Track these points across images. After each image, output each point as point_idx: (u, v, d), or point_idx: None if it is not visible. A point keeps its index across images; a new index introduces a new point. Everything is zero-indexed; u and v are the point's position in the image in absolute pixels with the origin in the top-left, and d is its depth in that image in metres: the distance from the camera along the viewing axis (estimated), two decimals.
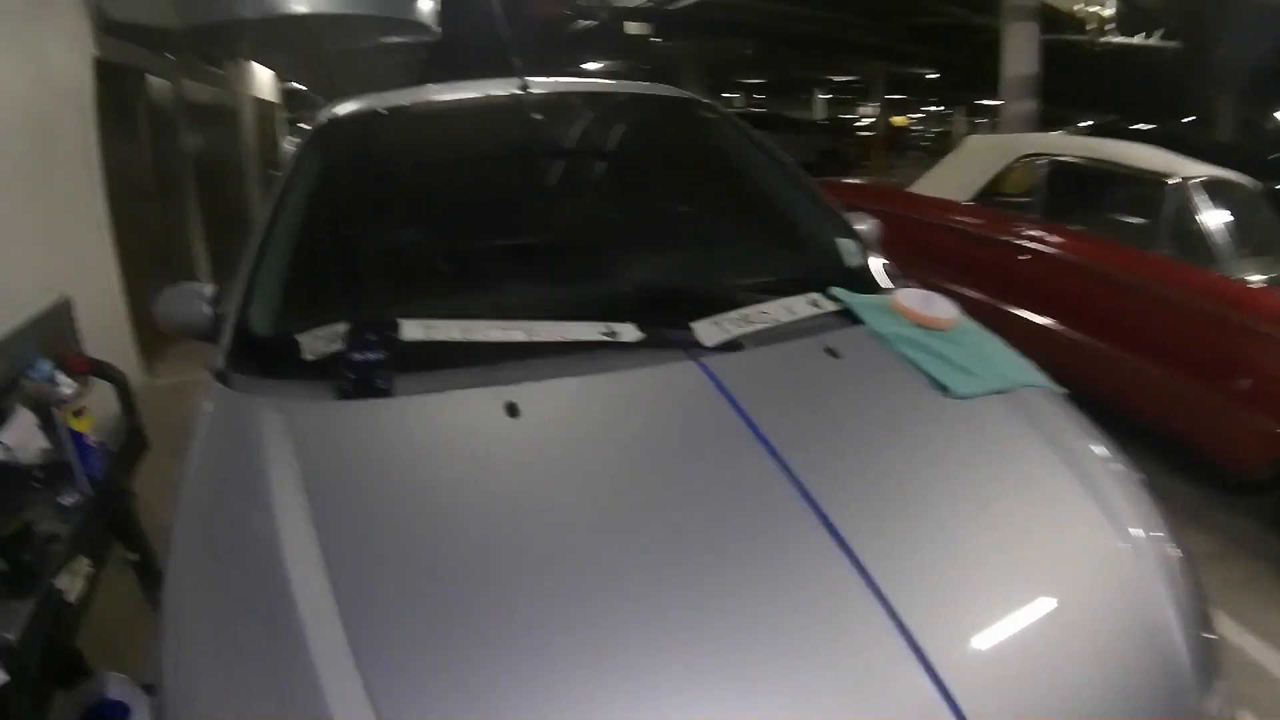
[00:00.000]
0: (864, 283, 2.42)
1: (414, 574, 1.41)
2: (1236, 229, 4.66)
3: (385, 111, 2.98)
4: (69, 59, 5.45)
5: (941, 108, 38.02)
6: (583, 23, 15.12)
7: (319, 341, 1.92)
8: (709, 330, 2.04)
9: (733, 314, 2.12)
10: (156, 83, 7.41)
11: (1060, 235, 5.39)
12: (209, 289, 2.31)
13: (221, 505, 1.65)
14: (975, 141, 6.81)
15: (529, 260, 2.51)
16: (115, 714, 2.17)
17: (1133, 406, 4.79)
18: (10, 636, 1.55)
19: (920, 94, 32.12)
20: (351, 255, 2.56)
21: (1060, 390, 2.17)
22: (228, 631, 1.38)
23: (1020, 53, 9.84)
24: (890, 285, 2.48)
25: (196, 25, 6.12)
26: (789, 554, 1.48)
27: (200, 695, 1.30)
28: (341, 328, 1.93)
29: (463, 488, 1.61)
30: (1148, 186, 4.96)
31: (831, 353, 2.08)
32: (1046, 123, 10.52)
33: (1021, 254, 5.49)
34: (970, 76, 10.68)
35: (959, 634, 1.39)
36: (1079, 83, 14.61)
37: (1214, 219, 4.62)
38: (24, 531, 1.91)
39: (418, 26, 7.68)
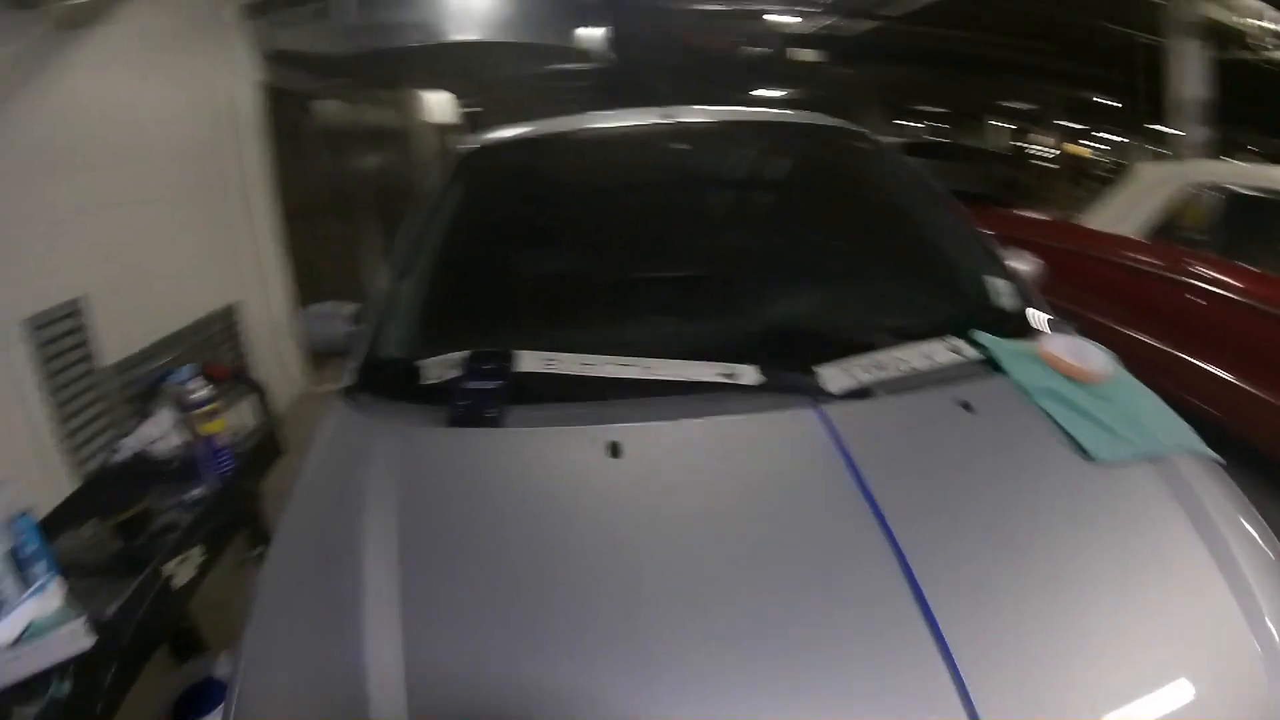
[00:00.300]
0: (1014, 327, 2.23)
1: (479, 604, 1.40)
2: None
3: (526, 141, 2.98)
4: (235, 86, 5.73)
5: (1123, 137, 36.64)
6: (754, 50, 15.06)
7: (440, 367, 1.92)
8: (836, 376, 1.90)
9: (864, 359, 1.97)
10: (329, 106, 7.74)
11: (1234, 275, 4.78)
12: (349, 308, 2.36)
13: (320, 515, 1.67)
14: (1143, 170, 6.33)
15: (658, 294, 2.43)
16: (217, 691, 2.24)
17: None
18: (106, 611, 1.64)
19: (1102, 122, 30.95)
20: (483, 283, 2.54)
21: (1218, 459, 1.91)
22: (298, 629, 1.43)
23: (1189, 73, 9.26)
24: (1044, 329, 2.27)
25: (361, 53, 6.31)
26: (872, 637, 1.35)
27: (258, 679, 1.36)
28: (461, 355, 1.93)
29: (546, 524, 1.57)
30: None
31: (965, 406, 1.89)
32: (1228, 149, 9.93)
33: (1192, 294, 4.99)
34: (1152, 102, 10.15)
35: None
36: (1251, 104, 13.77)
37: None
38: (142, 517, 2.00)
39: (583, 54, 7.76)
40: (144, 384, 2.72)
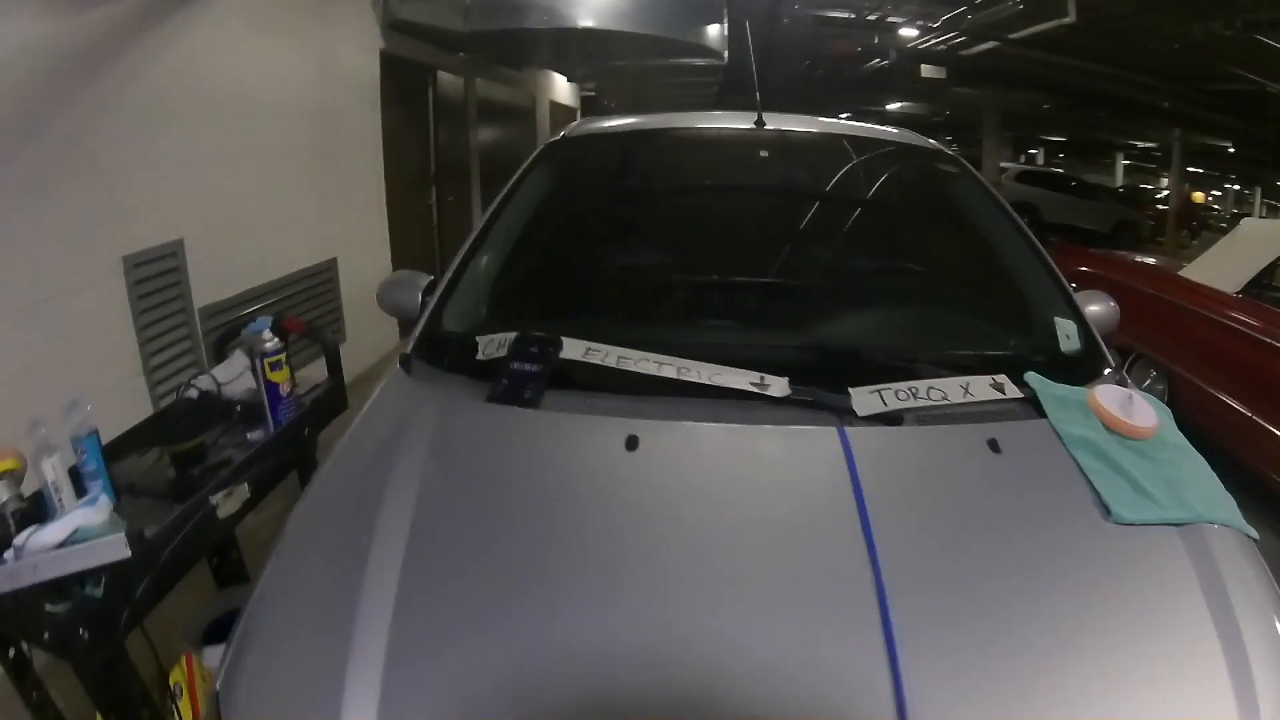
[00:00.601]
0: (1071, 371, 2.16)
1: (472, 570, 1.47)
2: None
3: (609, 135, 3.07)
4: (356, 53, 5.97)
5: (1240, 186, 35.23)
6: (876, 62, 14.91)
7: (492, 345, 2.01)
8: (866, 399, 1.90)
9: (901, 386, 1.96)
10: (448, 79, 7.92)
11: None
12: (424, 279, 2.48)
13: (353, 471, 1.78)
14: (1248, 225, 6.07)
15: (714, 298, 2.50)
16: None
17: None
18: (148, 529, 1.76)
19: (1220, 169, 29.84)
20: (547, 270, 2.65)
21: (1252, 535, 1.81)
22: (309, 577, 1.51)
23: None
24: (1102, 378, 2.21)
25: (481, 31, 6.46)
26: (831, 671, 1.34)
27: (265, 618, 1.44)
28: (511, 336, 2.01)
29: (548, 506, 1.64)
30: None
31: (993, 446, 1.85)
32: None
33: (1276, 357, 4.77)
34: (1271, 151, 9.75)
35: None
36: None
37: None
38: (198, 450, 2.16)
39: (704, 50, 7.82)
40: (226, 329, 2.87)
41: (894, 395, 1.92)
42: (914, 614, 1.41)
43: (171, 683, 2.06)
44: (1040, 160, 36.68)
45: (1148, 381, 6.19)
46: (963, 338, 2.43)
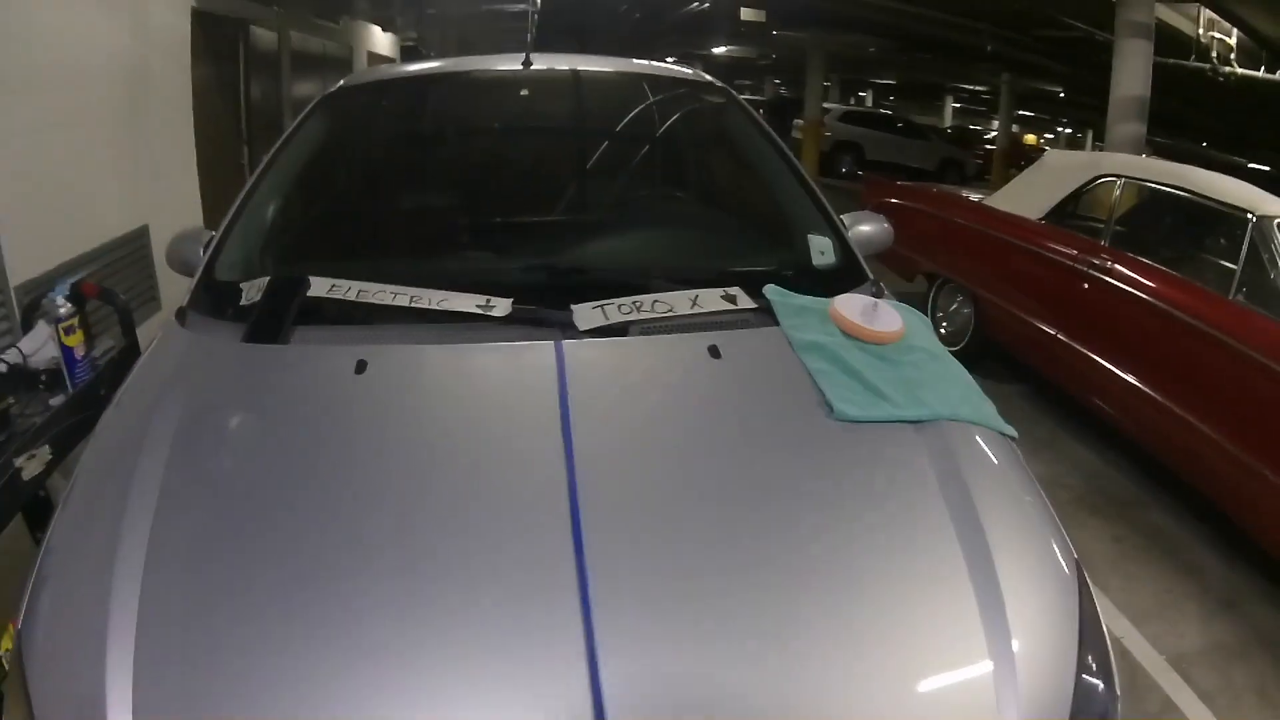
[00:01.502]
0: (826, 285, 2.20)
1: (222, 493, 1.58)
2: None
3: (384, 83, 3.23)
4: (166, 12, 5.85)
5: (1073, 130, 36.87)
6: (696, 5, 15.08)
7: (253, 290, 2.09)
8: (588, 314, 1.97)
9: (626, 300, 2.02)
10: (261, 33, 7.79)
11: (1123, 264, 4.89)
12: (208, 235, 2.52)
13: (124, 418, 1.86)
14: (1054, 157, 6.44)
15: (460, 233, 2.61)
16: None
17: (1183, 467, 4.39)
18: None
19: (1053, 112, 31.21)
20: (314, 215, 2.77)
21: (1010, 433, 1.87)
22: (84, 525, 1.56)
23: (1131, 72, 9.25)
24: (852, 289, 2.25)
25: None
26: (519, 565, 1.38)
27: (50, 568, 1.48)
28: (266, 279, 2.10)
29: (284, 427, 1.76)
30: (1227, 221, 4.47)
31: (713, 352, 1.91)
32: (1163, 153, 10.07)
33: (1081, 280, 5.13)
34: (1101, 97, 10.22)
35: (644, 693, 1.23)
36: (1202, 114, 14.03)
37: None
38: (3, 417, 2.24)
39: None
40: (31, 300, 2.91)
41: (617, 309, 1.99)
42: (604, 525, 1.43)
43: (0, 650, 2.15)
44: (870, 102, 37.58)
45: (955, 305, 6.62)
46: (705, 255, 2.54)
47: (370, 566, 1.39)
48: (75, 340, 2.43)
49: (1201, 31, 11.46)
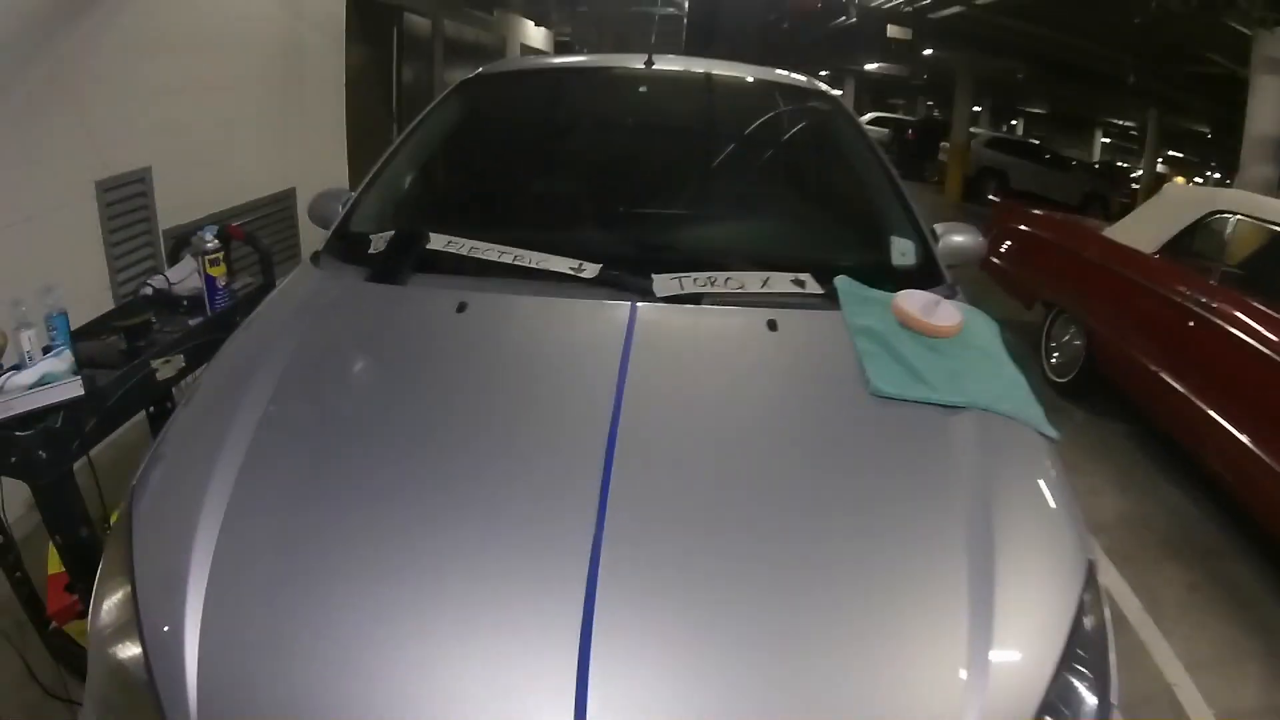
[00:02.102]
0: (895, 283, 2.30)
1: (327, 402, 1.86)
2: None
3: (516, 74, 3.54)
4: None
5: (1221, 175, 35.30)
6: (841, 20, 15.15)
7: (381, 241, 2.40)
8: (666, 283, 2.18)
9: (701, 274, 2.22)
10: (415, 19, 8.25)
11: (1228, 303, 4.70)
12: (347, 194, 2.87)
13: (256, 333, 2.18)
14: (1172, 190, 6.32)
15: (576, 209, 2.87)
16: None
17: (1268, 519, 4.17)
18: (100, 379, 2.23)
19: (1202, 154, 30.01)
20: (443, 184, 3.12)
21: (1050, 434, 1.89)
22: (181, 444, 1.80)
23: (1266, 110, 8.87)
24: (921, 289, 2.32)
25: None
26: (542, 509, 1.53)
27: (144, 485, 1.70)
28: (392, 232, 2.43)
29: (395, 350, 2.06)
30: None
31: (771, 325, 2.07)
32: None
33: (1187, 318, 4.95)
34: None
35: (633, 667, 1.29)
36: None
37: None
38: (144, 326, 2.58)
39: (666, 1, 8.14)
40: (180, 238, 3.30)
41: (692, 281, 2.20)
42: (631, 464, 1.59)
43: (111, 519, 2.49)
44: (1020, 130, 36.87)
45: (1068, 336, 6.44)
46: (786, 244, 2.73)
47: (418, 478, 1.62)
48: (219, 271, 2.78)
49: None
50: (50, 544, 2.32)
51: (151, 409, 3.07)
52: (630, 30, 14.22)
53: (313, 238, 3.10)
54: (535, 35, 13.79)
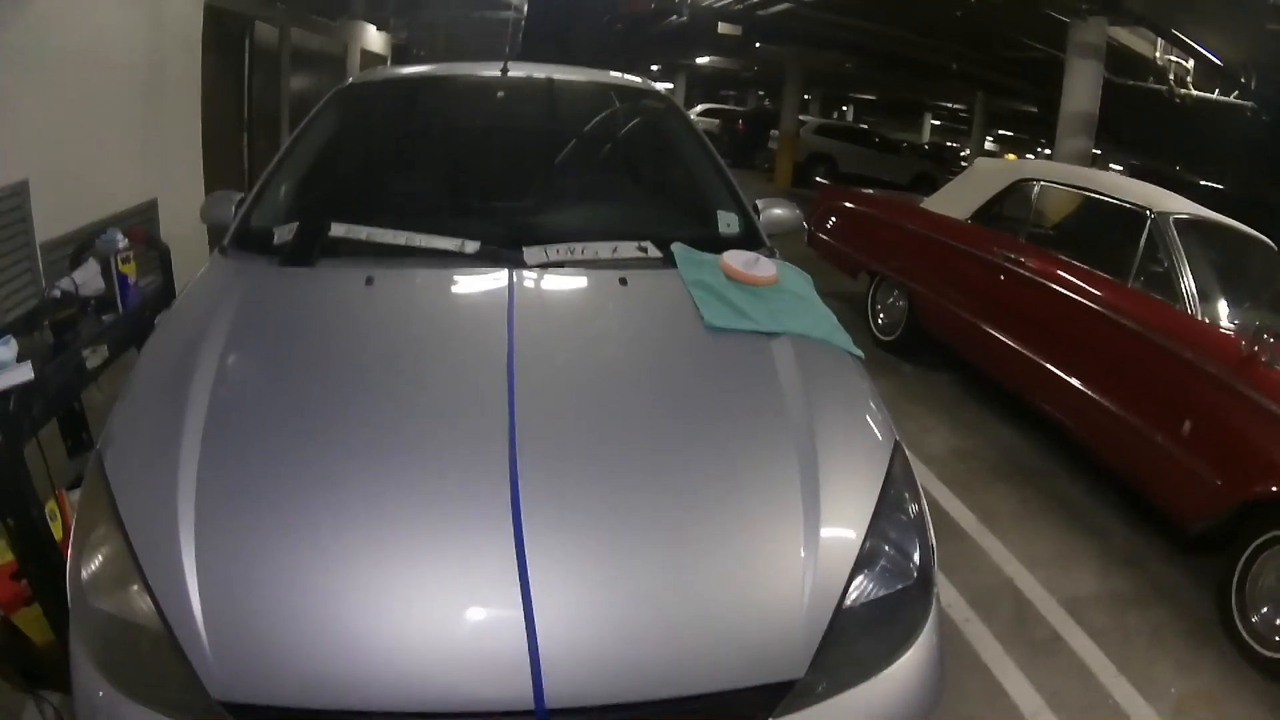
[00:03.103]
0: (723, 248, 2.81)
1: (266, 368, 2.22)
2: (1218, 273, 4.57)
3: (385, 81, 3.97)
4: (183, 4, 6.36)
5: (1051, 150, 37.10)
6: (674, 19, 15.56)
7: (285, 232, 2.75)
8: (535, 253, 2.63)
9: (563, 246, 2.68)
10: (265, 28, 8.29)
11: (1035, 258, 5.51)
12: (238, 195, 3.16)
13: (181, 324, 2.44)
14: (981, 164, 7.06)
15: (451, 196, 3.32)
16: None
17: (1089, 439, 4.87)
18: (40, 363, 2.37)
19: (1032, 132, 31.67)
20: (330, 181, 3.40)
21: (856, 353, 2.46)
22: (144, 408, 2.08)
23: (1081, 89, 9.88)
24: (762, 252, 2.89)
25: None
26: (460, 450, 1.89)
27: (109, 450, 1.94)
28: (296, 224, 2.76)
29: (313, 320, 2.44)
30: (1129, 218, 4.98)
31: (622, 282, 2.57)
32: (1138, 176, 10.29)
33: (999, 273, 5.74)
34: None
35: (571, 583, 1.65)
36: (1155, 133, 14.44)
37: (1188, 256, 4.52)
38: (71, 319, 2.75)
39: (504, 4, 8.35)
40: (79, 241, 3.41)
41: (556, 251, 2.66)
42: (529, 387, 2.02)
43: (47, 510, 2.61)
44: (850, 117, 38.14)
45: (891, 299, 7.16)
46: (631, 221, 3.14)
47: (359, 424, 1.95)
48: (130, 269, 2.98)
49: (1159, 54, 11.95)
50: None
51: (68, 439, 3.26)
52: (463, 34, 14.38)
53: (175, 246, 3.36)
54: (375, 40, 13.79)
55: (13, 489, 2.30)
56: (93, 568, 1.73)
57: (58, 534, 2.55)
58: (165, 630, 1.58)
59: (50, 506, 2.63)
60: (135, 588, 1.64)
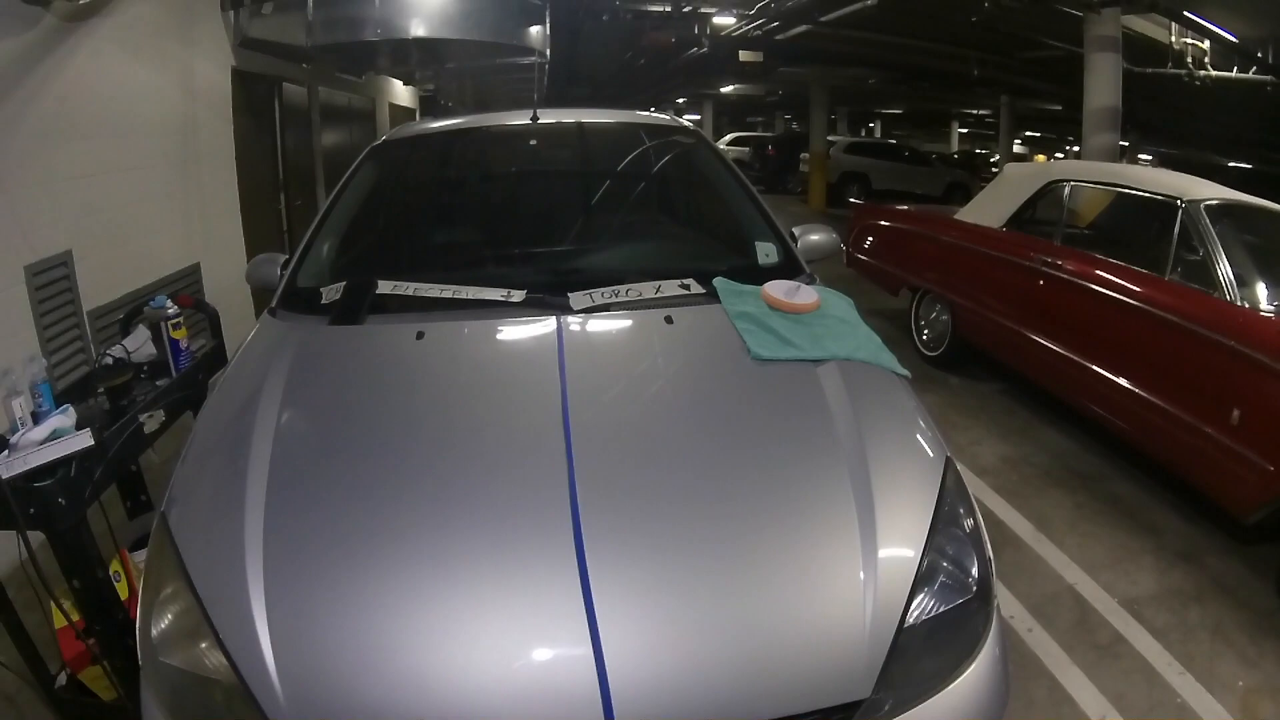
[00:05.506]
0: (764, 278, 2.84)
1: (323, 425, 2.25)
2: (1255, 256, 4.50)
3: (418, 137, 3.97)
4: (211, 70, 6.53)
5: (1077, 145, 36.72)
6: (695, 50, 15.67)
7: (332, 291, 2.82)
8: (581, 298, 2.67)
9: (607, 289, 2.72)
10: (292, 89, 8.45)
11: (1071, 259, 5.44)
12: (282, 257, 3.24)
13: (238, 383, 2.51)
14: (1011, 170, 7.02)
15: (491, 249, 3.33)
16: None
17: (1137, 439, 4.80)
18: (99, 430, 2.44)
19: (1059, 131, 31.39)
20: (373, 238, 3.49)
21: (902, 373, 2.48)
22: (207, 479, 2.11)
23: (1102, 84, 9.76)
24: (784, 279, 2.87)
25: (323, 44, 7.08)
26: (521, 493, 1.92)
27: (173, 511, 1.99)
28: (343, 283, 2.84)
29: (365, 375, 2.49)
30: (1160, 209, 4.93)
31: (668, 320, 2.61)
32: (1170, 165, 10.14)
33: (1037, 278, 5.68)
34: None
35: (636, 616, 1.67)
36: (1181, 119, 14.27)
37: (1223, 243, 4.45)
38: (126, 385, 2.80)
39: (527, 50, 8.46)
40: (128, 308, 3.50)
41: (600, 295, 2.70)
42: (586, 434, 2.06)
43: (111, 570, 2.68)
44: (878, 133, 38.01)
45: (934, 313, 7.10)
46: (671, 259, 3.26)
47: (419, 474, 2.01)
48: (181, 334, 3.05)
49: (1174, 38, 11.90)
50: (53, 602, 2.47)
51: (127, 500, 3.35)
52: (488, 83, 14.56)
53: (221, 303, 3.43)
54: (403, 94, 14.00)
55: (78, 551, 2.37)
56: (163, 625, 1.78)
57: (122, 593, 2.64)
58: (239, 682, 1.62)
59: (114, 567, 2.72)
60: (205, 644, 1.69)
